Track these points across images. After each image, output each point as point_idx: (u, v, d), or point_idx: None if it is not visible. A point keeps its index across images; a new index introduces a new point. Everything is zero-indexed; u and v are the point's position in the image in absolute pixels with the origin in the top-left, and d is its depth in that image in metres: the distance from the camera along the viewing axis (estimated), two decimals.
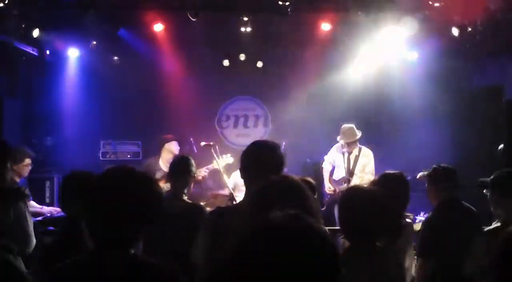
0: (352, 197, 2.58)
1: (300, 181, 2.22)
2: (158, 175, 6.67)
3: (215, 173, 6.73)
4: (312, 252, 1.21)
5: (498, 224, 3.26)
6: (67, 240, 2.80)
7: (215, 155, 6.34)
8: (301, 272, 1.18)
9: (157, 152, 6.89)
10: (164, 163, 6.78)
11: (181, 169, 4.20)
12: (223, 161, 6.43)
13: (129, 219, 1.78)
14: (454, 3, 6.61)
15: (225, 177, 5.87)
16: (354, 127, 6.82)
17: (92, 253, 1.79)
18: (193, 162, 4.32)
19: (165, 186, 6.53)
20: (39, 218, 5.52)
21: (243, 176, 2.73)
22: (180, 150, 6.82)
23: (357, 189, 2.79)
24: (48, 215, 5.82)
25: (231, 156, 6.45)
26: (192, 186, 4.43)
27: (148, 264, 1.79)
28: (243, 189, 2.75)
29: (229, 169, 6.52)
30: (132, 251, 1.81)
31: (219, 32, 7.94)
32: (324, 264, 1.22)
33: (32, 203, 5.94)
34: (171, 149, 6.78)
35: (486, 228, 3.38)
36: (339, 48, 8.05)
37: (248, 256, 1.21)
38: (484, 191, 3.57)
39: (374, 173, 6.73)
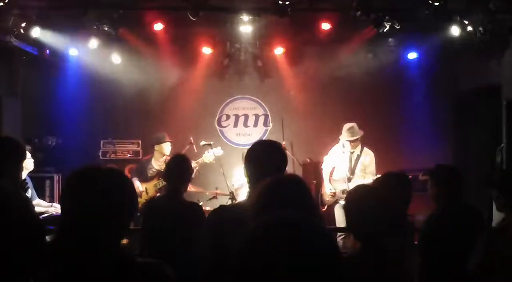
0: (360, 197, 2.57)
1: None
2: (150, 174, 6.72)
3: (215, 171, 6.76)
4: (314, 252, 1.21)
5: (502, 224, 3.26)
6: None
7: (211, 150, 6.40)
8: (303, 271, 1.19)
9: (151, 151, 7.01)
10: (156, 161, 6.83)
11: (178, 168, 4.20)
12: (212, 154, 6.46)
13: (109, 218, 1.75)
14: (454, 3, 6.61)
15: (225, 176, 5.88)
16: (356, 126, 6.83)
17: (78, 254, 1.76)
18: (189, 160, 4.33)
19: (157, 183, 6.60)
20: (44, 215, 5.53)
21: (246, 175, 2.73)
22: (180, 150, 6.84)
23: (364, 189, 2.77)
24: (54, 213, 5.79)
25: (220, 148, 6.48)
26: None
27: (135, 262, 1.77)
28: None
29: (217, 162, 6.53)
30: (118, 251, 1.79)
31: (219, 32, 7.94)
32: (326, 264, 1.22)
33: (41, 201, 5.97)
34: (162, 150, 6.84)
35: (490, 228, 3.39)
36: (339, 48, 8.06)
37: (250, 256, 1.22)
38: (488, 190, 3.57)
39: (374, 173, 6.73)
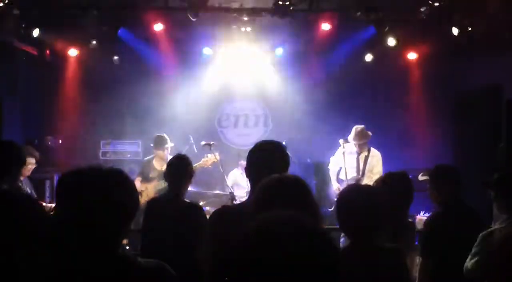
0: (349, 194, 2.60)
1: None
2: (152, 174, 6.70)
3: (215, 172, 6.75)
4: (312, 253, 1.21)
5: (502, 225, 3.26)
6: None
7: (210, 155, 6.36)
8: (300, 273, 1.19)
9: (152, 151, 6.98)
10: (158, 162, 6.81)
11: (178, 168, 4.19)
12: (211, 158, 6.43)
13: (110, 217, 1.73)
14: (454, 3, 6.61)
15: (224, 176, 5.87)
16: (364, 129, 6.83)
17: (78, 255, 1.76)
18: (190, 161, 4.32)
19: (158, 184, 6.58)
20: None
21: (249, 175, 2.72)
22: (180, 150, 6.83)
23: (354, 187, 2.81)
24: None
25: (210, 155, 6.40)
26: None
27: (136, 263, 1.77)
28: (243, 186, 2.77)
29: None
30: (119, 251, 1.78)
31: (219, 32, 7.94)
32: (324, 265, 1.22)
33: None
34: (161, 156, 6.80)
35: (490, 229, 3.38)
36: (339, 48, 8.06)
37: (250, 256, 1.22)
38: (488, 191, 3.56)
39: (382, 173, 6.74)
